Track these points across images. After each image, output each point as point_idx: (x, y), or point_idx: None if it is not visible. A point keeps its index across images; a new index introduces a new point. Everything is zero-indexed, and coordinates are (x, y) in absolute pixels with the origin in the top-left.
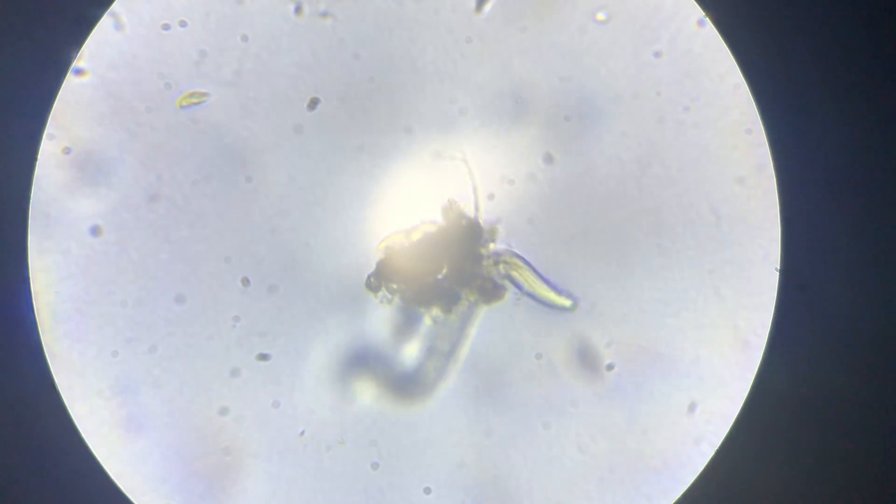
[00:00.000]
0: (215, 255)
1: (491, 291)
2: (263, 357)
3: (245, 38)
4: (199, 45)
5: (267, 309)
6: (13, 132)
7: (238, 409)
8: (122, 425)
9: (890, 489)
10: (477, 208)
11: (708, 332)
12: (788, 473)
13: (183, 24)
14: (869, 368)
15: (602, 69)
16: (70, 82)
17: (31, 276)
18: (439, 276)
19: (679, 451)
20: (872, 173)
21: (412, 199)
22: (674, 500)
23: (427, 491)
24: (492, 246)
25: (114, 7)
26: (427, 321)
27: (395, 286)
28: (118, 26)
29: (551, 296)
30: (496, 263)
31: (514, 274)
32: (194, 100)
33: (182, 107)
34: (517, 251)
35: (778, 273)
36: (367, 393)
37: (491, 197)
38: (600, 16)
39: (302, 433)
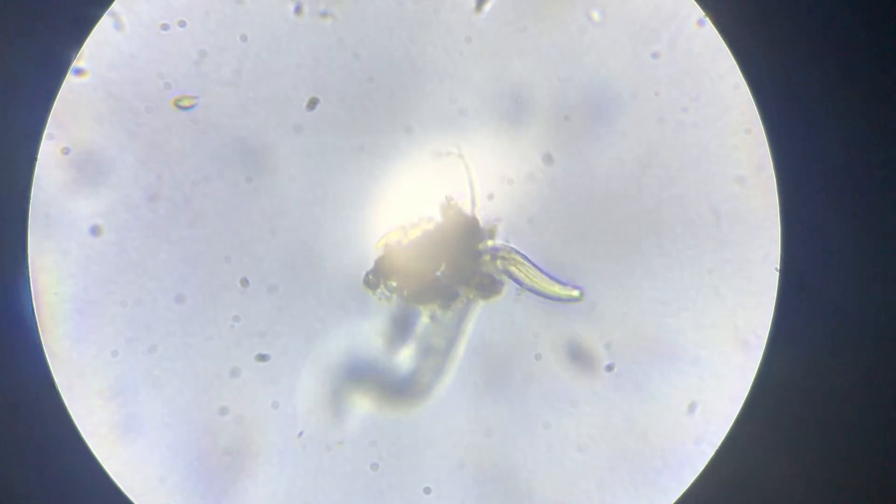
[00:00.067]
0: (215, 255)
1: (489, 287)
2: (263, 358)
3: (245, 38)
4: (199, 45)
5: (267, 309)
6: (13, 132)
7: (238, 409)
8: (122, 425)
9: (890, 489)
10: (474, 203)
11: (708, 332)
12: (788, 473)
13: (182, 24)
14: (869, 368)
15: (602, 69)
16: (70, 82)
17: (31, 276)
18: (437, 274)
19: (679, 451)
20: (872, 173)
21: (411, 198)
22: (674, 501)
23: (427, 491)
24: (490, 242)
25: (114, 7)
26: (424, 319)
27: (393, 284)
28: (118, 26)
29: (556, 289)
30: (494, 259)
31: (513, 269)
32: (185, 103)
33: (179, 107)
34: (515, 247)
35: (778, 273)
36: (364, 405)
37: (491, 197)
38: (595, 15)
39: (300, 434)
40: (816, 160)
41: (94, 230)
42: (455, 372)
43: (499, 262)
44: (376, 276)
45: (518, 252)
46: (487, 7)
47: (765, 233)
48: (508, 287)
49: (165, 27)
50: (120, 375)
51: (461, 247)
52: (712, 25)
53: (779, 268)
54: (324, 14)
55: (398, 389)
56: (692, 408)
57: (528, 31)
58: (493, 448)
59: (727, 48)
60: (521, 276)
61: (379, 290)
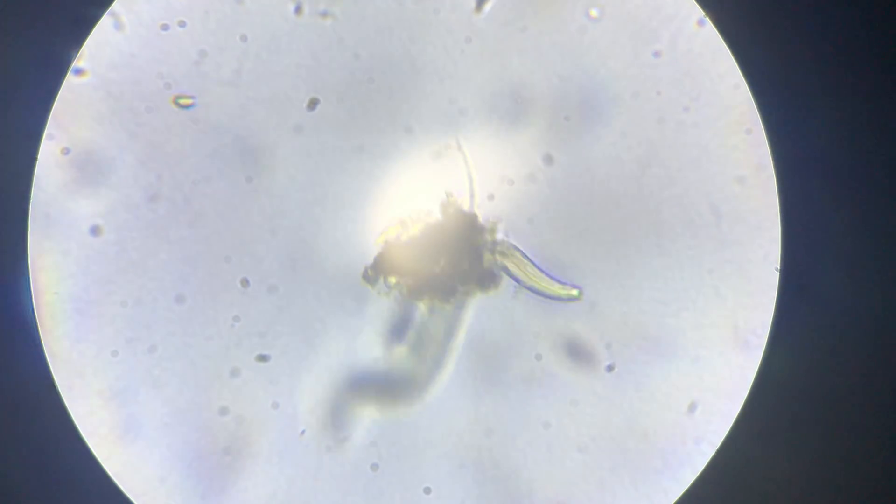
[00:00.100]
0: (215, 255)
1: (487, 279)
2: (263, 358)
3: (245, 38)
4: (199, 45)
5: (267, 309)
6: (13, 132)
7: (238, 409)
8: (121, 425)
9: (890, 489)
10: (472, 196)
11: (708, 332)
12: (789, 473)
13: (182, 24)
14: (869, 368)
15: (602, 69)
16: (70, 82)
17: (31, 276)
18: (436, 269)
19: (679, 451)
20: (872, 173)
21: (411, 194)
22: (674, 501)
23: (427, 491)
24: (489, 237)
25: (114, 7)
26: (423, 313)
27: (393, 279)
28: (118, 26)
29: (555, 288)
30: (493, 253)
31: (511, 264)
32: (183, 101)
33: (178, 105)
34: (514, 243)
35: (778, 273)
36: (366, 413)
37: (491, 197)
38: (593, 12)
39: (302, 433)
40: (816, 160)
41: (94, 230)
42: (454, 368)
43: (497, 257)
44: (375, 271)
45: (517, 248)
46: (487, 7)
47: (765, 233)
48: (506, 284)
49: (165, 27)
50: (120, 375)
51: (460, 242)
52: (712, 25)
53: (779, 268)
54: (324, 14)
55: (397, 388)
56: (692, 408)
57: (528, 31)
58: (493, 448)
59: (727, 48)
60: (518, 273)
61: (378, 285)
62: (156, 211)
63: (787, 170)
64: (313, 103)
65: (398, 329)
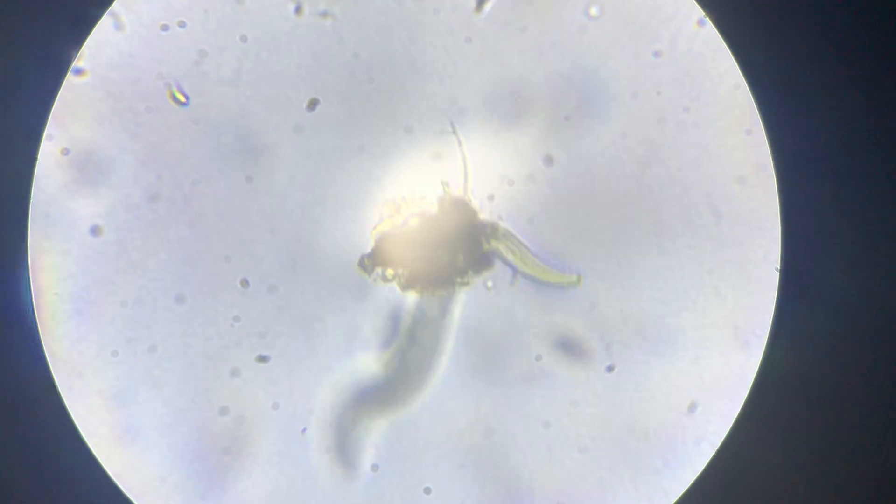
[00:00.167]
0: (215, 255)
1: (483, 263)
2: (263, 359)
3: (245, 38)
4: (199, 45)
5: (267, 309)
6: (13, 132)
7: (238, 409)
8: (121, 425)
9: (890, 489)
10: (466, 179)
11: (708, 332)
12: (788, 473)
13: (182, 24)
14: (869, 368)
15: (602, 69)
16: (70, 82)
17: (31, 276)
18: (433, 258)
19: (679, 451)
20: (872, 173)
21: (410, 189)
22: (674, 501)
23: (427, 491)
24: (487, 226)
25: (114, 7)
26: (419, 302)
27: (390, 271)
28: (118, 26)
29: (554, 275)
30: (489, 240)
31: (508, 251)
32: (178, 97)
33: (173, 99)
34: (510, 228)
35: (778, 273)
36: (372, 432)
37: (491, 197)
38: (593, 11)
39: (304, 430)
40: (816, 160)
41: (94, 230)
42: (454, 368)
43: (494, 243)
44: (371, 261)
45: (513, 234)
46: (487, 7)
47: (765, 233)
48: (504, 275)
49: (165, 27)
50: (120, 375)
51: (456, 228)
52: (712, 25)
53: (779, 268)
54: (324, 14)
55: (397, 388)
56: (692, 408)
57: (528, 31)
58: (493, 448)
59: (727, 48)
60: (515, 260)
61: (374, 274)
62: (156, 211)
63: (787, 170)
64: (313, 103)
65: (395, 320)
